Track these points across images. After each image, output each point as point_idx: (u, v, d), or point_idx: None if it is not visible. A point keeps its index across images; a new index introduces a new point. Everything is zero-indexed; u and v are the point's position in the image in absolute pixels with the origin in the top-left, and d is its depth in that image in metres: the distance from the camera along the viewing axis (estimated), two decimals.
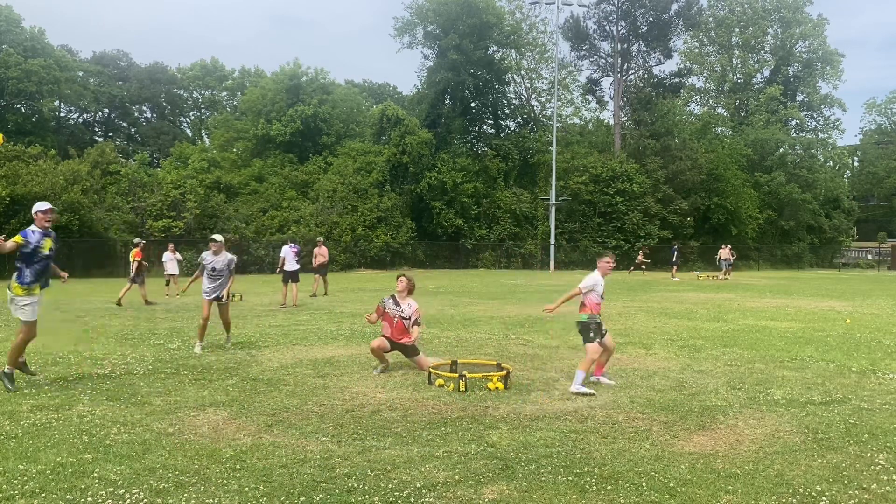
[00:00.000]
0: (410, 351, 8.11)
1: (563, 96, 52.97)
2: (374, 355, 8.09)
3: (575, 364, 8.69)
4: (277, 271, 18.28)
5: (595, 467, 4.72)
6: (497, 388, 7.11)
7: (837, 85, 63.08)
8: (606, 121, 54.98)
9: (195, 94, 70.73)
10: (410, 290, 8.37)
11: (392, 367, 8.35)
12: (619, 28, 49.77)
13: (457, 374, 7.36)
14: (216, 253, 9.86)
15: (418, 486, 4.34)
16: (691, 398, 6.84)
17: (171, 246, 20.69)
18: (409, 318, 8.15)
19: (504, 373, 7.39)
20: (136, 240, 18.84)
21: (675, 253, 33.45)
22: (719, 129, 57.36)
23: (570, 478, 4.51)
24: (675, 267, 33.26)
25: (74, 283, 25.17)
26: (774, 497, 4.21)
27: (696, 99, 64.06)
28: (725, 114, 60.51)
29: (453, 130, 44.84)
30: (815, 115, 62.91)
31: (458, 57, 43.08)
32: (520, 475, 4.56)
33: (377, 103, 54.92)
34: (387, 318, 8.17)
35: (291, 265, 17.21)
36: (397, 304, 8.21)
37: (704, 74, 63.52)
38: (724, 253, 32.77)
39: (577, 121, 56.17)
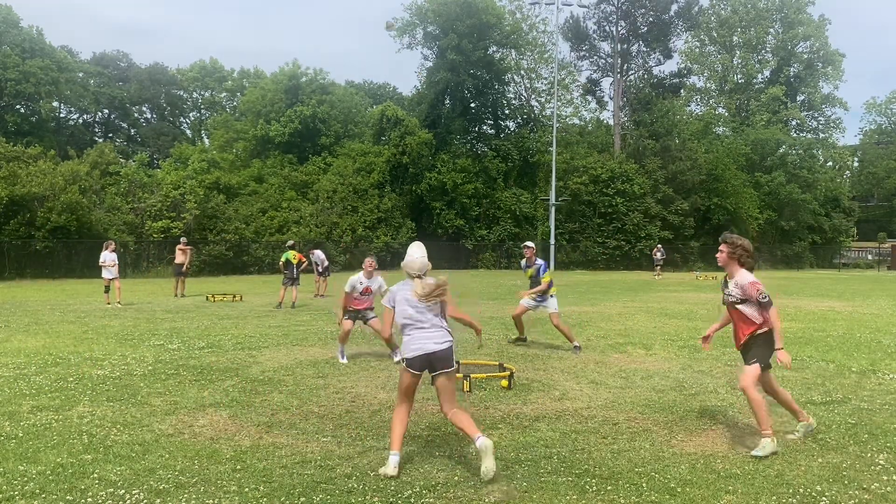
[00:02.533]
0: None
1: (562, 96, 52.99)
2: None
3: (575, 364, 8.70)
4: (317, 271, 19.91)
5: (595, 467, 4.71)
6: (503, 386, 7.19)
7: (838, 85, 63.22)
8: (606, 121, 55.02)
9: (195, 95, 70.76)
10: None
11: (392, 367, 8.34)
12: (619, 28, 49.79)
13: (461, 375, 7.37)
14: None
15: (418, 486, 4.34)
16: (691, 398, 6.83)
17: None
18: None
19: (508, 373, 7.41)
20: (291, 242, 18.57)
21: (660, 253, 34.68)
22: (720, 129, 57.41)
23: (570, 478, 4.51)
24: (658, 267, 34.35)
25: (74, 284, 25.21)
26: (774, 497, 4.21)
27: (696, 99, 64.18)
28: (726, 114, 60.56)
29: (453, 131, 44.85)
30: (815, 115, 63.00)
31: (458, 57, 43.10)
32: (520, 475, 4.55)
33: (377, 104, 54.94)
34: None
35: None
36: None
37: (705, 74, 63.64)
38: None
39: (576, 121, 56.24)
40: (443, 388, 4.73)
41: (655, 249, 35.61)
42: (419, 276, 4.81)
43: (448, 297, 4.82)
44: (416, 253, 4.90)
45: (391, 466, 4.55)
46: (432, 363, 4.70)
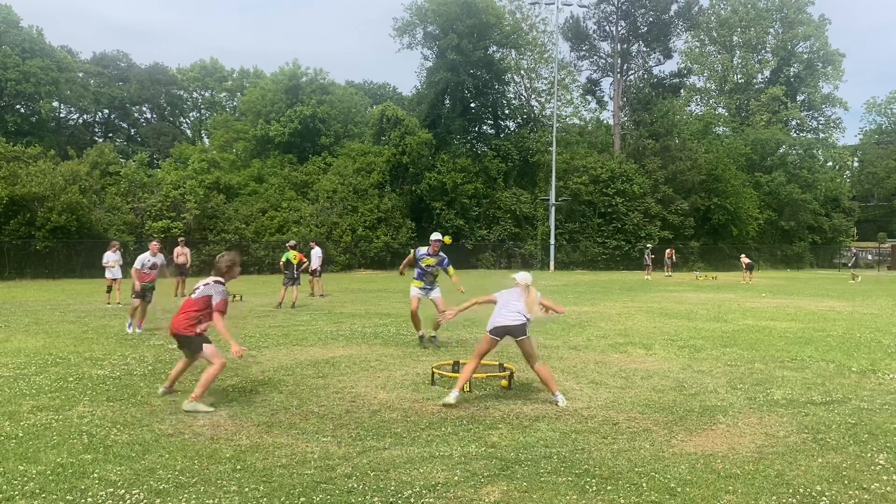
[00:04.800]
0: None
1: (562, 96, 53.03)
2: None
3: (575, 364, 8.70)
4: (310, 271, 19.55)
5: (595, 467, 4.71)
6: (503, 386, 7.22)
7: (838, 85, 63.27)
8: (606, 121, 55.07)
9: (195, 95, 70.75)
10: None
11: (392, 367, 8.35)
12: (619, 28, 49.82)
13: (459, 375, 7.36)
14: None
15: (418, 486, 4.34)
16: (691, 398, 6.83)
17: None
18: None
19: (508, 373, 7.41)
20: (292, 242, 18.39)
21: (649, 254, 34.83)
22: (720, 129, 57.44)
23: (570, 478, 4.51)
24: (648, 268, 34.46)
25: (74, 284, 25.21)
26: (774, 497, 4.21)
27: (696, 99, 64.21)
28: (726, 114, 60.58)
29: (453, 131, 44.85)
30: (815, 115, 63.02)
31: (458, 57, 43.09)
32: (520, 475, 4.55)
33: (377, 104, 54.93)
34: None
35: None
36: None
37: (705, 74, 63.67)
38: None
39: (576, 121, 56.28)
40: (524, 350, 6.72)
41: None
42: (527, 286, 6.82)
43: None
44: (527, 273, 7.05)
45: (451, 398, 6.34)
46: (509, 332, 6.65)
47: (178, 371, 6.88)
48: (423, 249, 10.54)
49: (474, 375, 7.40)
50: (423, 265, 10.38)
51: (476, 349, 6.87)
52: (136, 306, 11.69)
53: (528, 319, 6.63)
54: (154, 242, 12.81)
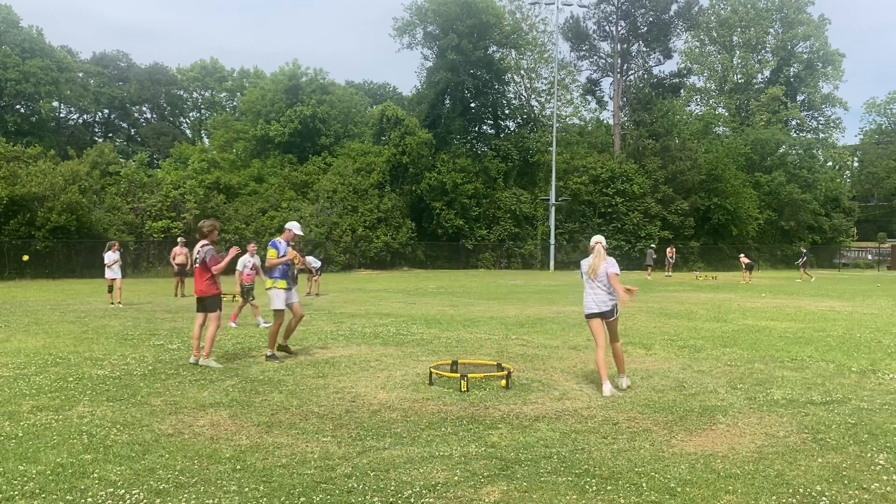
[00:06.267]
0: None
1: (562, 96, 52.98)
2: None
3: (574, 364, 8.70)
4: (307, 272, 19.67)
5: (595, 467, 4.71)
6: (501, 386, 7.20)
7: (838, 85, 63.26)
8: (606, 121, 55.04)
9: (195, 95, 70.77)
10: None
11: (392, 367, 8.35)
12: (619, 28, 49.80)
13: (458, 375, 7.37)
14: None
15: (418, 486, 4.34)
16: (691, 398, 6.83)
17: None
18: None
19: (506, 373, 7.40)
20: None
21: (651, 254, 35.03)
22: (720, 129, 57.44)
23: (570, 478, 4.51)
24: (650, 268, 34.50)
25: (74, 284, 25.23)
26: (774, 497, 4.21)
27: (696, 99, 64.19)
28: (726, 114, 60.57)
29: (453, 131, 44.86)
30: (815, 115, 63.01)
31: (458, 57, 43.10)
32: (520, 475, 4.55)
33: (377, 104, 54.95)
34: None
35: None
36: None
37: (705, 74, 63.65)
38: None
39: (576, 121, 56.24)
40: (608, 329, 7.18)
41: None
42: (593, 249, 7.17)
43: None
44: (600, 236, 7.39)
45: (606, 391, 6.84)
46: (601, 317, 7.11)
47: (197, 334, 8.45)
48: (283, 244, 9.06)
49: (471, 376, 7.42)
50: (288, 259, 9.08)
51: (595, 340, 7.18)
52: (242, 305, 12.95)
53: (615, 303, 7.10)
54: (252, 244, 13.81)
